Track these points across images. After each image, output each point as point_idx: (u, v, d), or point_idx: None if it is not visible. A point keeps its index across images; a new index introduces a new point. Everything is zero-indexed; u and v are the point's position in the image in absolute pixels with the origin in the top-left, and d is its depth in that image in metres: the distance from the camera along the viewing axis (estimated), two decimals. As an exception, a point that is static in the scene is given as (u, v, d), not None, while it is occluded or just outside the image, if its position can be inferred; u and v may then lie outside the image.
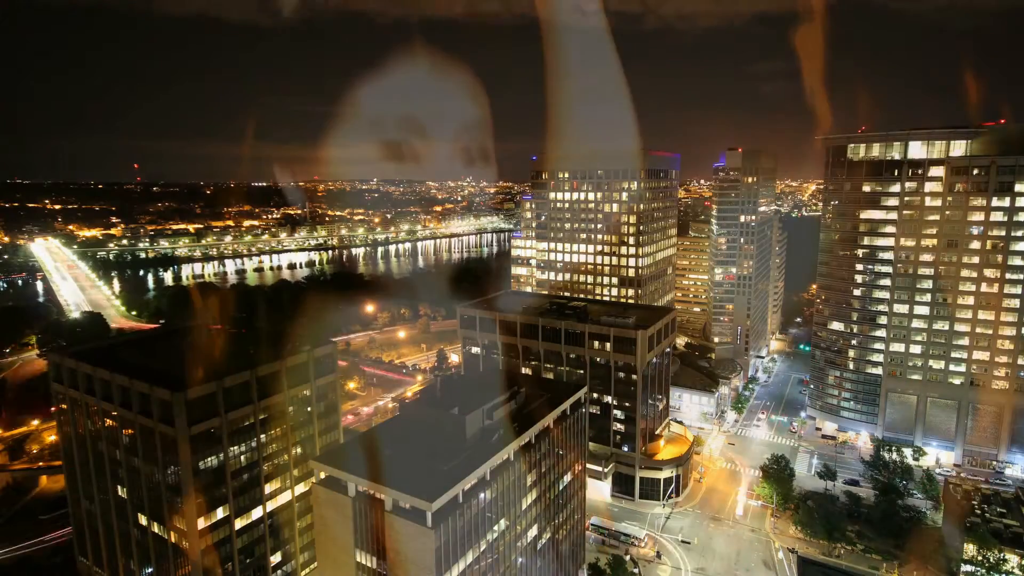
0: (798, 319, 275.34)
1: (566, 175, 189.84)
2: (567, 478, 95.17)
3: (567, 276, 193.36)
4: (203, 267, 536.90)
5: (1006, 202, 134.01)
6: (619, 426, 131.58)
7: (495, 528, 76.25)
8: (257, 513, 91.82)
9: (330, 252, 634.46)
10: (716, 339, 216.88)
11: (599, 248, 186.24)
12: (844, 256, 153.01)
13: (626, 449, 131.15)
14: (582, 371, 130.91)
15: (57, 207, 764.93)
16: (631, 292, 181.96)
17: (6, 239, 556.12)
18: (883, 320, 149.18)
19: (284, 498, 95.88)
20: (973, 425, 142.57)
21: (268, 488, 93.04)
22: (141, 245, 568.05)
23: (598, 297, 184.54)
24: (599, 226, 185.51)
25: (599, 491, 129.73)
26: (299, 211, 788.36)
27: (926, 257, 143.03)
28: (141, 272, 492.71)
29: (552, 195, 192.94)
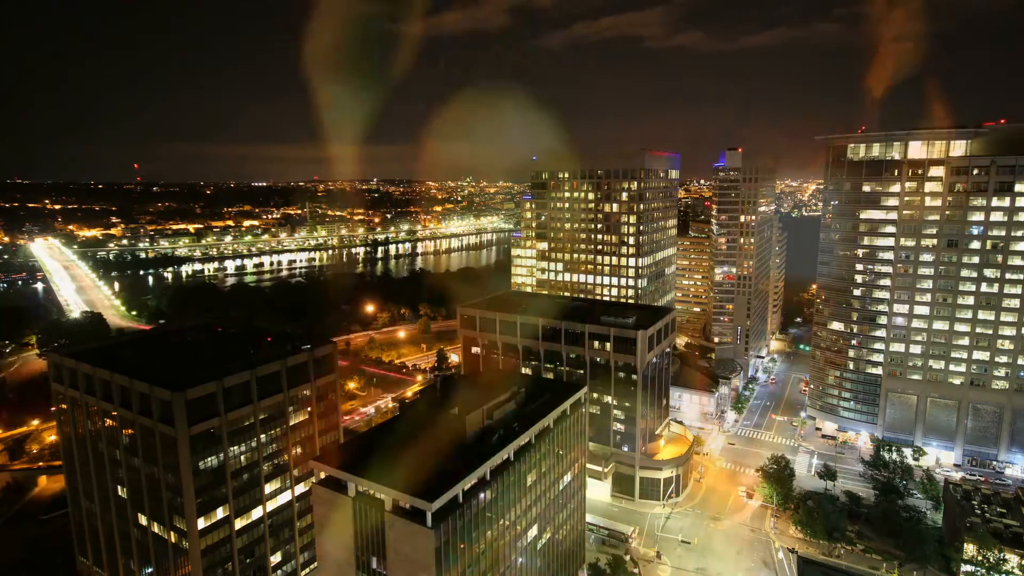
0: (798, 319, 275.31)
1: (566, 175, 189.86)
2: (567, 478, 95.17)
3: (567, 276, 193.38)
4: (203, 267, 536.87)
5: (1006, 202, 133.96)
6: (619, 426, 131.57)
7: (495, 528, 76.26)
8: (257, 513, 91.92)
9: (330, 252, 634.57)
10: (716, 339, 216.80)
11: (599, 248, 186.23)
12: (844, 256, 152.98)
13: (626, 449, 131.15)
14: (582, 371, 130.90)
15: (57, 207, 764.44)
16: (631, 292, 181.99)
17: (6, 239, 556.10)
18: (883, 320, 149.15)
19: (284, 498, 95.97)
20: (973, 425, 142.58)
21: (268, 488, 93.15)
22: (141, 245, 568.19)
23: (598, 297, 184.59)
24: (599, 226, 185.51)
25: (599, 491, 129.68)
26: (299, 211, 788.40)
27: (926, 257, 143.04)
28: (141, 272, 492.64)
29: (552, 195, 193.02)
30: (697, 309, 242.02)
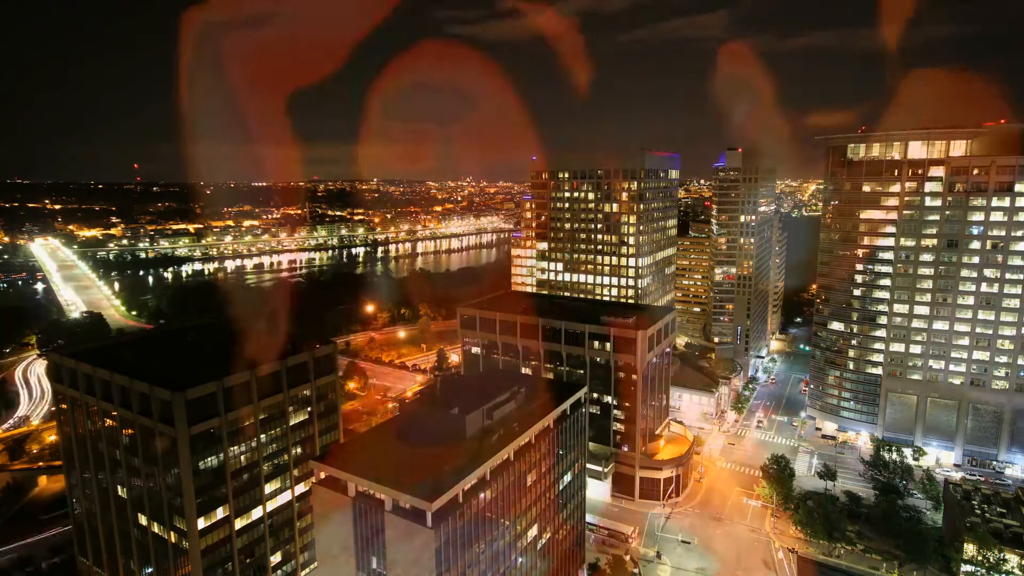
0: (798, 319, 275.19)
1: (566, 175, 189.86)
2: (567, 478, 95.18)
3: (567, 276, 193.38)
4: (203, 267, 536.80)
5: (1006, 202, 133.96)
6: (619, 426, 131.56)
7: (495, 528, 76.25)
8: (257, 513, 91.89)
9: (330, 252, 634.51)
10: (716, 339, 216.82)
11: (599, 248, 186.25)
12: (844, 256, 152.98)
13: (626, 449, 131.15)
14: (582, 371, 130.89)
15: (57, 207, 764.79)
16: (631, 292, 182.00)
17: (6, 239, 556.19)
18: (883, 320, 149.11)
19: (284, 498, 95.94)
20: (973, 425, 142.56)
21: (268, 488, 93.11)
22: (141, 245, 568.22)
23: (598, 297, 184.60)
24: (599, 226, 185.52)
25: (599, 491, 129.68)
26: (299, 211, 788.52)
27: (926, 257, 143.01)
28: (141, 272, 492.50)
29: (552, 195, 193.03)
30: (697, 309, 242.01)
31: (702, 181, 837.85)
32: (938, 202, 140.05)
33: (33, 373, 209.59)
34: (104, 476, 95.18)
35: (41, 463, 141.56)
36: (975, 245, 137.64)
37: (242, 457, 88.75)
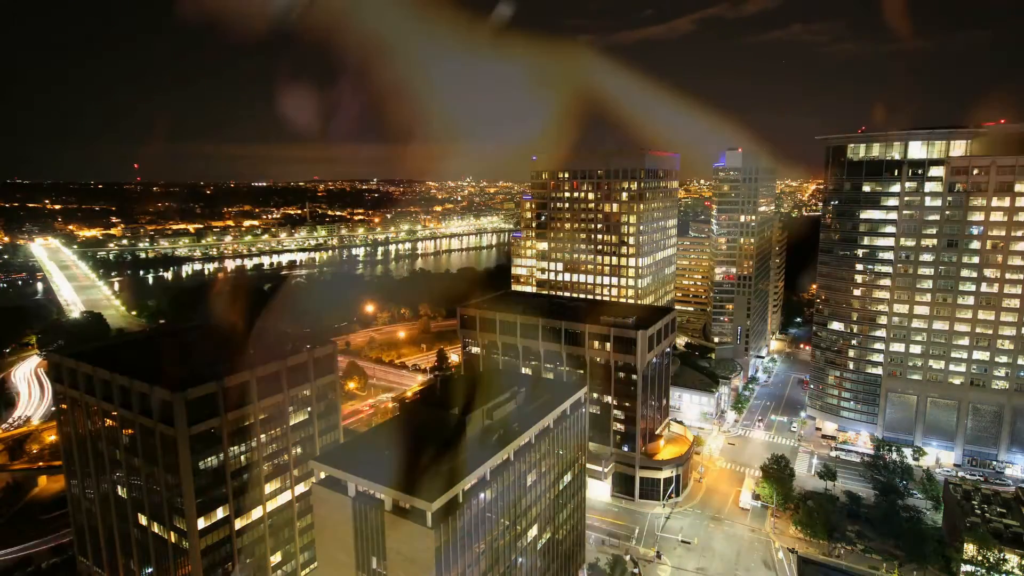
0: (798, 319, 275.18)
1: (566, 175, 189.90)
2: (567, 478, 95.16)
3: (567, 276, 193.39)
4: (203, 267, 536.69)
5: (1006, 202, 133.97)
6: (619, 426, 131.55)
7: (495, 528, 76.25)
8: (257, 513, 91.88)
9: (330, 252, 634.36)
10: (716, 339, 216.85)
11: (599, 248, 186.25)
12: (844, 256, 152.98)
13: (626, 449, 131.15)
14: (582, 371, 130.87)
15: (57, 207, 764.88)
16: (631, 292, 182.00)
17: (6, 239, 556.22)
18: (883, 320, 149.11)
19: (284, 498, 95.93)
20: (973, 425, 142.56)
21: (268, 488, 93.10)
22: (141, 245, 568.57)
23: (598, 297, 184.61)
24: (599, 226, 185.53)
25: (599, 491, 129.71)
26: (299, 211, 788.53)
27: (926, 257, 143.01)
28: (141, 272, 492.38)
29: (552, 195, 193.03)
30: (697, 309, 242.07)
31: (702, 181, 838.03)
32: (938, 202, 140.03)
33: (33, 373, 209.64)
34: (104, 476, 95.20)
35: (41, 463, 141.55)
36: (975, 245, 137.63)
37: (242, 457, 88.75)
